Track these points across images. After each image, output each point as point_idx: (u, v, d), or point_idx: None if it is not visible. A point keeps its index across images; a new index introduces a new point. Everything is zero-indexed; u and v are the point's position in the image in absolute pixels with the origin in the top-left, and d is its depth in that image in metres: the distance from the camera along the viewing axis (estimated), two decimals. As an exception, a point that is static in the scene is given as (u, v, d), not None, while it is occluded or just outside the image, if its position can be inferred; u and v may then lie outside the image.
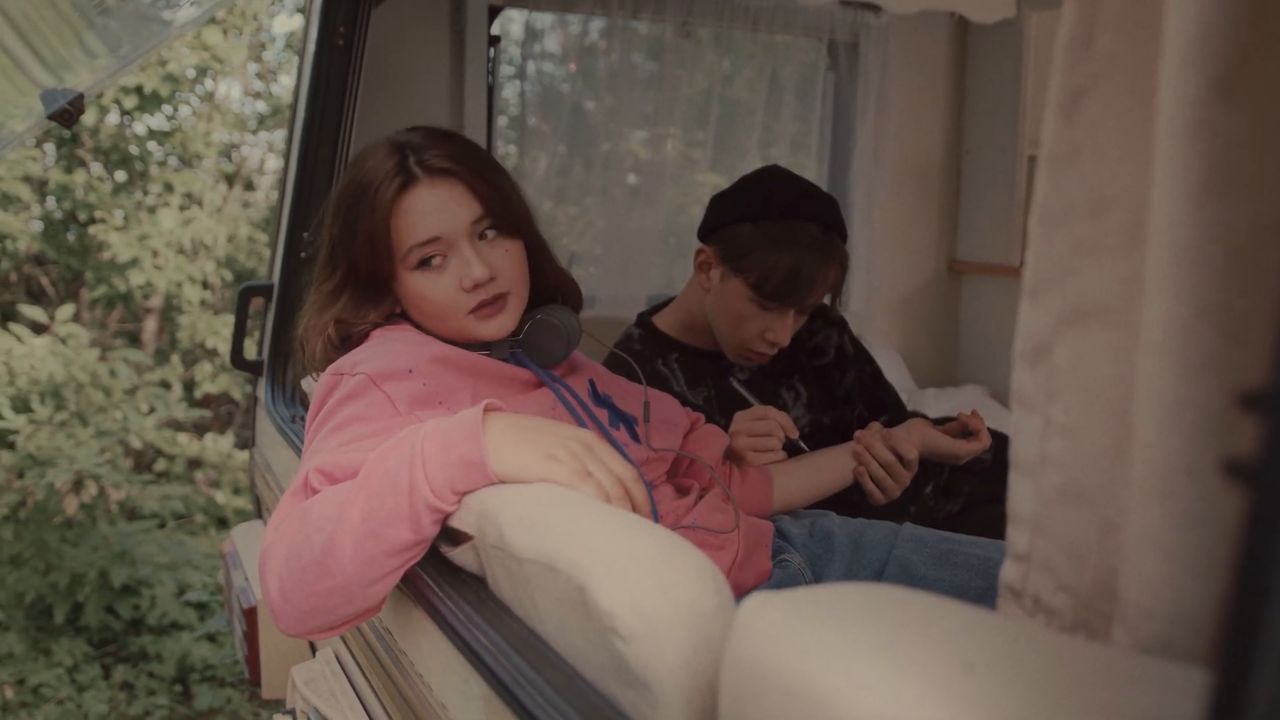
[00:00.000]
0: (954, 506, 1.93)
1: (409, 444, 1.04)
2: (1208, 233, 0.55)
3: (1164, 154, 0.57)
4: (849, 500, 1.74)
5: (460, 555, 1.07)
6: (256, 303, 2.42)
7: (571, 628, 0.85)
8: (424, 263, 1.34)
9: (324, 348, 1.38)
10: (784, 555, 1.46)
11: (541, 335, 1.43)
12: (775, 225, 1.75)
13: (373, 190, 1.33)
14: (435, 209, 1.33)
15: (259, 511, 2.45)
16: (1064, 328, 0.69)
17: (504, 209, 1.36)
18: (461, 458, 1.03)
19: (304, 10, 2.55)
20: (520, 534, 0.93)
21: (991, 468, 1.88)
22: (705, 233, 1.87)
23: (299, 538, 1.04)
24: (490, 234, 1.36)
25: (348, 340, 1.38)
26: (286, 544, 1.05)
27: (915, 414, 1.97)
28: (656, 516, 1.29)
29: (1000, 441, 1.81)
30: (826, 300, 1.84)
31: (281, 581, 1.05)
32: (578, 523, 0.90)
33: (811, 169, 3.30)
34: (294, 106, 2.41)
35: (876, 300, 3.28)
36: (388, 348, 1.31)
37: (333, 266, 1.40)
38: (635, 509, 1.06)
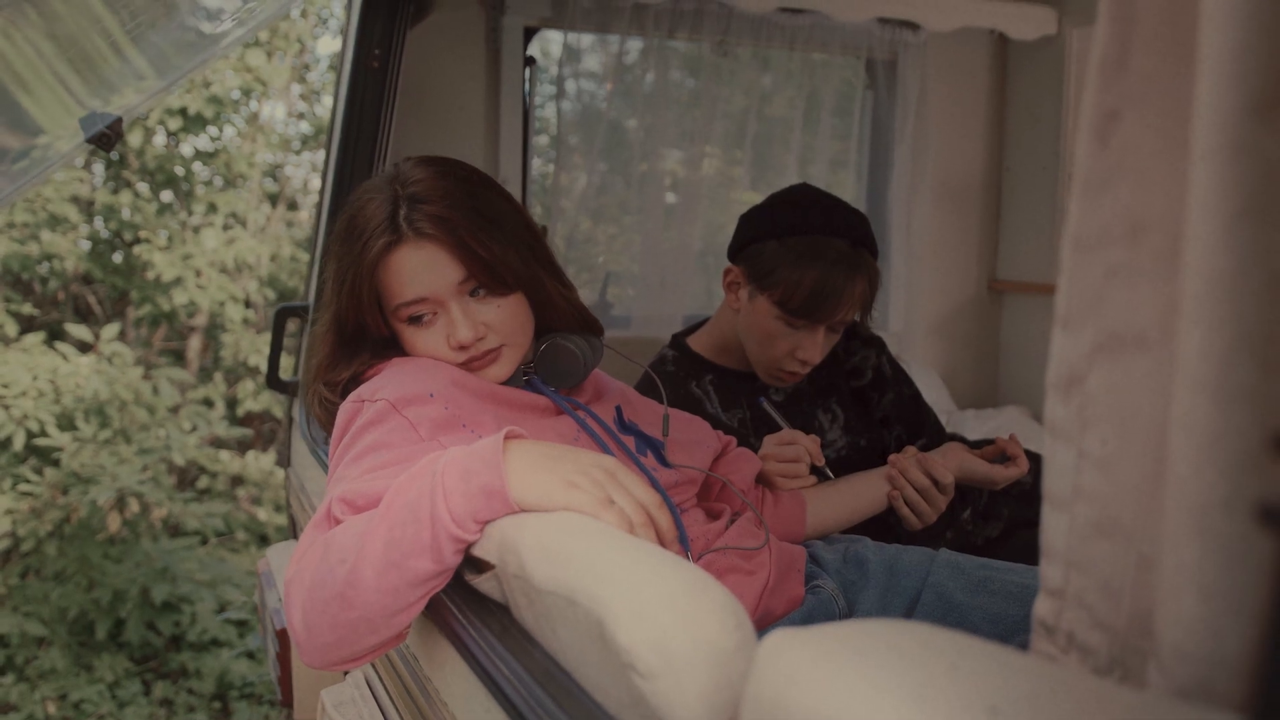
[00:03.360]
0: (993, 531, 1.89)
1: (430, 473, 1.03)
2: (1246, 258, 0.52)
3: (1200, 176, 0.55)
4: (885, 525, 1.71)
5: (484, 583, 1.06)
6: (295, 324, 2.43)
7: (591, 661, 0.83)
8: (414, 319, 1.35)
9: (322, 408, 1.40)
10: (816, 581, 1.43)
11: (556, 358, 1.42)
12: (800, 241, 1.74)
13: (361, 242, 1.33)
14: (419, 271, 1.32)
15: (294, 531, 2.46)
16: (1098, 356, 0.67)
17: (492, 271, 1.33)
18: (482, 486, 1.01)
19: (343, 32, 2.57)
20: (540, 565, 0.91)
21: (1032, 491, 1.84)
22: (733, 252, 1.86)
23: (321, 569, 1.03)
24: (481, 292, 1.35)
25: (345, 386, 1.38)
26: (309, 576, 1.04)
27: (954, 437, 1.94)
28: (686, 541, 1.27)
29: (1040, 463, 1.77)
30: (856, 317, 1.81)
31: (305, 613, 1.04)
32: (598, 554, 0.88)
33: (850, 187, 3.27)
34: (331, 127, 2.43)
35: (916, 320, 3.25)
36: (406, 373, 1.31)
37: (325, 305, 1.41)
38: (659, 536, 1.05)
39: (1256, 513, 0.36)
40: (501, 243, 1.34)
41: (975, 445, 1.78)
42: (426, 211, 1.31)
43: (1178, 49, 0.62)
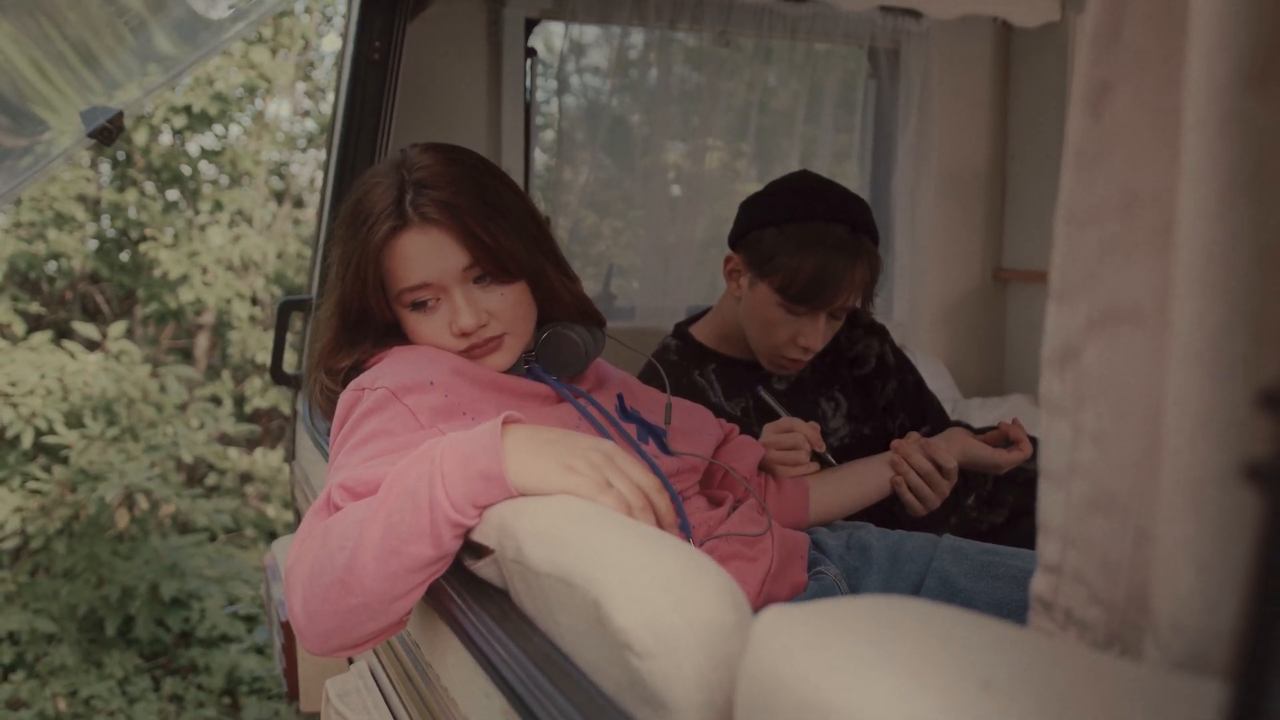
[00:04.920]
0: (997, 518, 1.89)
1: (428, 459, 1.03)
2: (1238, 231, 0.52)
3: (1192, 149, 0.55)
4: (889, 511, 1.70)
5: (483, 569, 1.06)
6: (299, 319, 2.43)
7: (589, 643, 0.83)
8: (417, 304, 1.35)
9: (323, 396, 1.40)
10: (819, 567, 1.43)
11: (558, 347, 1.42)
12: (799, 227, 1.73)
13: (367, 226, 1.32)
14: (424, 256, 1.31)
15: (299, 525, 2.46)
16: (1093, 331, 0.67)
17: (496, 258, 1.33)
18: (481, 471, 1.01)
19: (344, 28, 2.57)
20: (538, 548, 0.91)
21: (1036, 477, 1.83)
22: (734, 239, 1.86)
23: (321, 556, 1.03)
24: (485, 279, 1.35)
25: (347, 375, 1.38)
26: (309, 562, 1.05)
27: (958, 424, 1.93)
28: (687, 527, 1.27)
29: (1042, 447, 1.76)
30: (858, 304, 1.81)
31: (305, 600, 1.04)
32: (594, 537, 0.88)
33: (854, 178, 3.27)
34: (332, 122, 2.43)
35: (921, 309, 3.24)
36: (407, 361, 1.31)
37: (330, 290, 1.41)
38: (658, 519, 1.05)
39: (1241, 471, 0.36)
40: (506, 231, 1.34)
41: (979, 431, 1.78)
42: (433, 197, 1.31)
43: (1169, 21, 0.61)
